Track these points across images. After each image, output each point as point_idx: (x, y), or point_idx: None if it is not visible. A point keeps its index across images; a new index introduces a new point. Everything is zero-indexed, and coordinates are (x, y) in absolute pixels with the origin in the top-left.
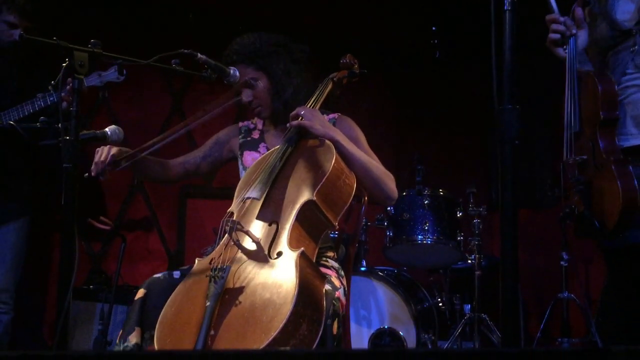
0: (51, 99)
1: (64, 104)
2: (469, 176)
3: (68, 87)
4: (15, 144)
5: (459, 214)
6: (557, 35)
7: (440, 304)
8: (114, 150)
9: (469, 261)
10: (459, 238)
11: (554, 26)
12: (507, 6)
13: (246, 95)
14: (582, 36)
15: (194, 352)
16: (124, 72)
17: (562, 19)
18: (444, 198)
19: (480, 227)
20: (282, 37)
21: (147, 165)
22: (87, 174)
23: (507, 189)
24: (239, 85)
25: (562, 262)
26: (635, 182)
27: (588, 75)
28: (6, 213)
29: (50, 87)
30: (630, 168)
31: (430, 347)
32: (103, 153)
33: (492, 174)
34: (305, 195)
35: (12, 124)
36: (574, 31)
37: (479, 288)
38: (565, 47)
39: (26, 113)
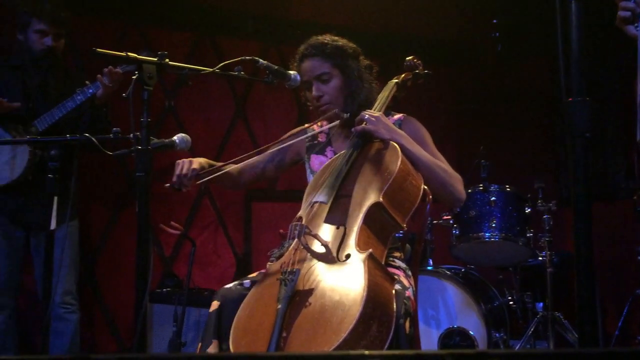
0: (90, 91)
1: (100, 90)
2: (536, 171)
3: (107, 74)
4: (68, 149)
5: (528, 210)
6: (627, 13)
7: (511, 303)
8: (195, 164)
9: (540, 258)
10: (528, 235)
11: (623, 3)
12: None
13: (316, 90)
14: None
15: (268, 354)
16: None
17: None
18: (511, 194)
19: (551, 222)
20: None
21: (222, 176)
22: (168, 184)
23: (579, 183)
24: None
25: (639, 257)
26: None
27: None
28: (62, 215)
29: (87, 82)
30: None
31: (502, 347)
32: (184, 167)
33: (561, 167)
34: (372, 198)
35: (87, 136)
36: None
37: (552, 285)
38: (636, 24)
39: (68, 109)
